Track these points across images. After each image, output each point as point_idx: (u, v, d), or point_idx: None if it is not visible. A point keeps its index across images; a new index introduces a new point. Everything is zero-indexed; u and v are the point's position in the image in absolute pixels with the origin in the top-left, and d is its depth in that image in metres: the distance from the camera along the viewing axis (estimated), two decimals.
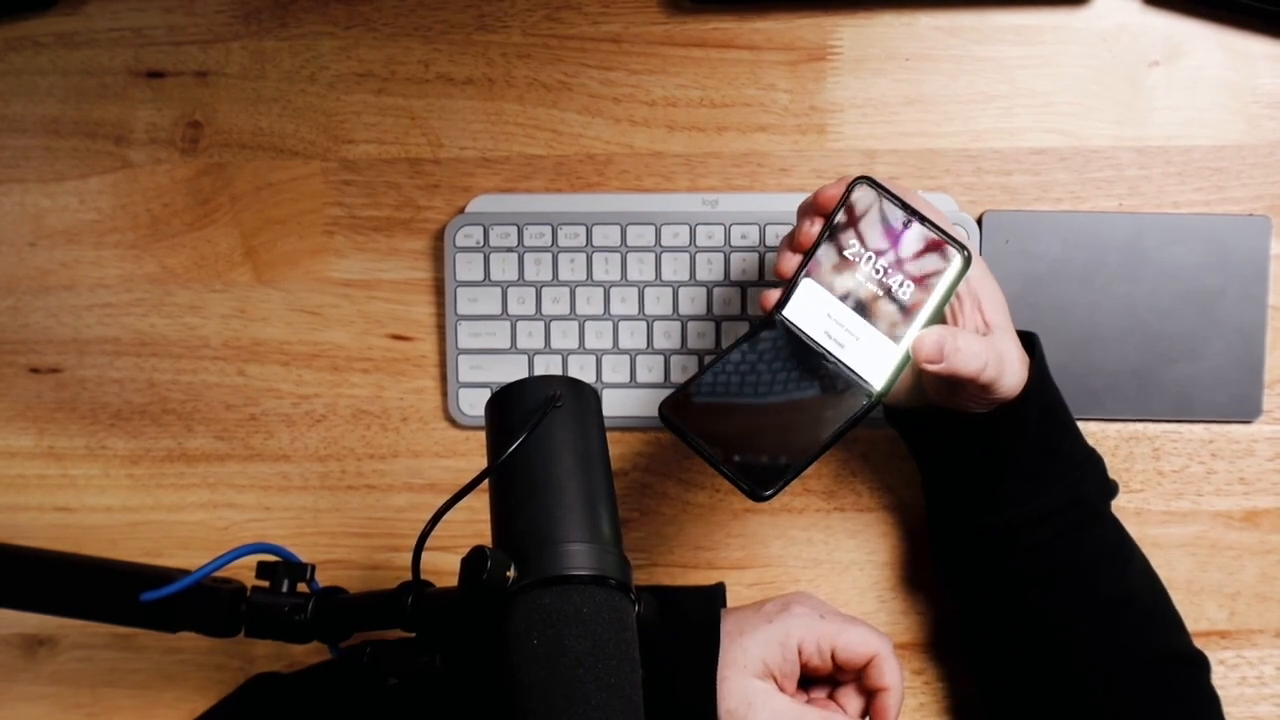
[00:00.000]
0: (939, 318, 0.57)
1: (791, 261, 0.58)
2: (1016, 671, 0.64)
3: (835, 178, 0.72)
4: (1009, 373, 0.58)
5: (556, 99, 0.73)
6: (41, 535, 0.76)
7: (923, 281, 0.56)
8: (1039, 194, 0.72)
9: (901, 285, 0.56)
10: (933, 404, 0.61)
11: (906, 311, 0.56)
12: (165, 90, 0.74)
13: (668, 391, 0.57)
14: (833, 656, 0.63)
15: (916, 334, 0.56)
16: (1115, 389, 0.71)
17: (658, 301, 0.72)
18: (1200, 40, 0.71)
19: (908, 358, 0.56)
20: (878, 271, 0.57)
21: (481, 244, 0.72)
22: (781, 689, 0.62)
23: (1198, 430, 0.72)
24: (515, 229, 0.72)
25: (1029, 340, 0.63)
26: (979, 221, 0.71)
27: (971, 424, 0.60)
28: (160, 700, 0.76)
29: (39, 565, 0.60)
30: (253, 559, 0.56)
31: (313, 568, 0.57)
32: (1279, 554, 0.73)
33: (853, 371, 0.57)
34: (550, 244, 0.72)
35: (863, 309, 0.57)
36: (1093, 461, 0.64)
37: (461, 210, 0.73)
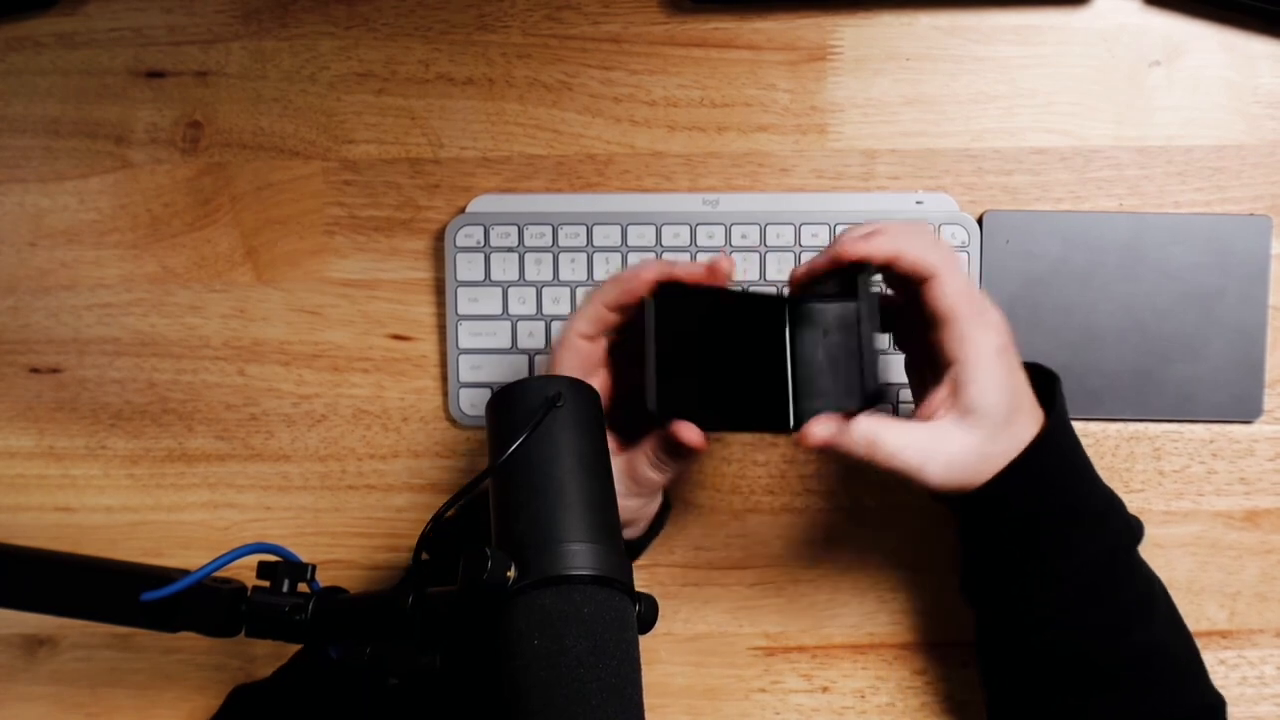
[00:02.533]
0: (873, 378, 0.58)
1: (856, 249, 0.58)
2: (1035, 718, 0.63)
3: (836, 178, 0.72)
4: (939, 464, 0.57)
5: (557, 99, 0.73)
6: (41, 535, 0.76)
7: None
8: (1039, 194, 0.72)
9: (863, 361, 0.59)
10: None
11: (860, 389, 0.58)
12: (165, 90, 0.74)
13: None
14: None
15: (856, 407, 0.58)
16: (1115, 389, 0.71)
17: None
18: (1201, 40, 0.71)
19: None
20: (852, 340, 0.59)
21: (482, 244, 0.72)
22: None
23: (1198, 430, 0.72)
24: (516, 229, 0.72)
25: (1048, 381, 0.61)
26: (979, 221, 0.71)
27: (986, 498, 0.58)
28: (160, 700, 0.76)
29: (39, 565, 0.60)
30: (253, 559, 0.56)
31: (313, 568, 0.57)
32: (1279, 554, 0.72)
33: (789, 395, 0.60)
34: (551, 244, 0.72)
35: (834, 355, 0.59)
36: (1114, 511, 0.61)
37: (462, 210, 0.73)
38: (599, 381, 0.61)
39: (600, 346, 0.61)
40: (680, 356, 0.58)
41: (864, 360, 0.58)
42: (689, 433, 0.57)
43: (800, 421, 0.58)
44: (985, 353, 0.56)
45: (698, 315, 0.59)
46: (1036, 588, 0.60)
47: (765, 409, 0.59)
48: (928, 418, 0.57)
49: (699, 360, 0.59)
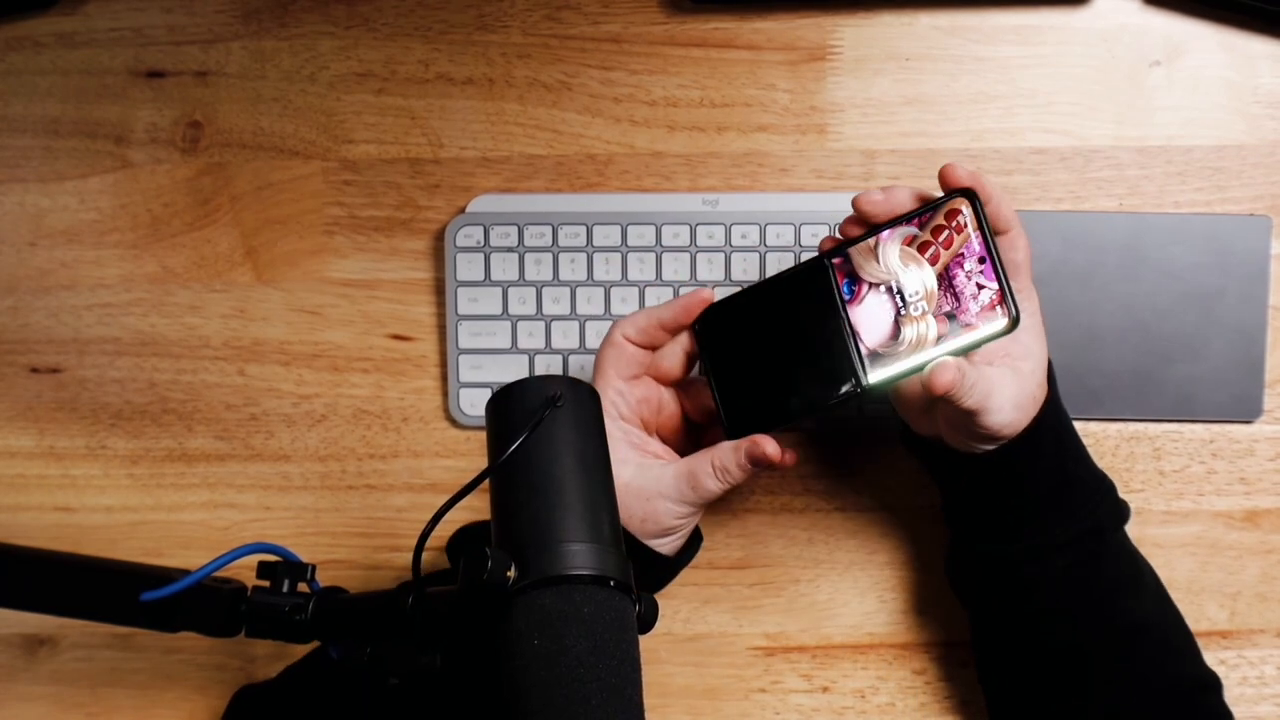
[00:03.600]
0: (960, 355, 0.57)
1: (879, 206, 0.57)
2: (1033, 702, 0.63)
3: (836, 178, 0.72)
4: (994, 408, 0.57)
5: (557, 99, 0.73)
6: (41, 535, 0.76)
7: (963, 316, 0.56)
8: (1039, 194, 0.72)
9: (943, 308, 0.57)
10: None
11: (937, 333, 0.57)
12: (165, 90, 0.74)
13: None
14: None
15: (931, 358, 0.56)
16: (1115, 389, 0.71)
17: (658, 301, 0.72)
18: (1201, 40, 0.71)
19: (908, 373, 0.57)
20: (933, 288, 0.57)
21: (482, 244, 0.72)
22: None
23: (1198, 430, 0.72)
24: (516, 229, 0.72)
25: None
26: None
27: (989, 459, 0.60)
28: (160, 700, 0.76)
29: (39, 565, 0.60)
30: (253, 559, 0.56)
31: (313, 568, 0.57)
32: (1279, 554, 0.72)
33: (857, 354, 0.57)
34: (551, 244, 0.72)
35: (901, 307, 0.57)
36: (1105, 488, 0.63)
37: (462, 210, 0.73)
38: (642, 388, 0.62)
39: (645, 356, 0.62)
40: (740, 366, 0.59)
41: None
42: (769, 447, 0.58)
43: (866, 379, 0.57)
44: (1037, 306, 0.60)
45: (743, 318, 0.60)
46: (1023, 553, 0.61)
47: (833, 378, 0.58)
48: (988, 363, 0.58)
49: (758, 361, 0.60)
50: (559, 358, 0.73)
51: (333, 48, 0.74)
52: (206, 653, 0.76)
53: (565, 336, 0.73)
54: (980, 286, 0.56)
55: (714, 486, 0.60)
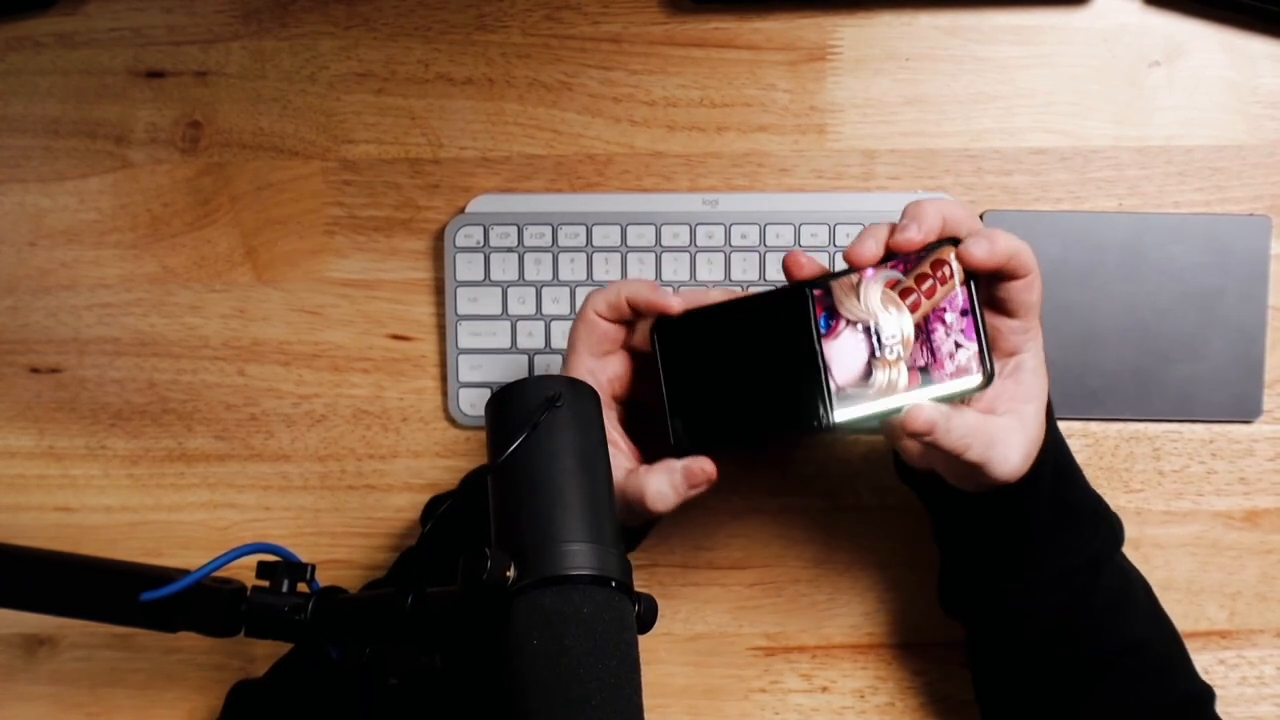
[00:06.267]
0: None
1: (869, 255, 0.55)
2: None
3: (836, 178, 0.72)
4: (999, 459, 0.55)
5: (556, 99, 0.73)
6: (41, 535, 0.76)
7: (936, 373, 0.55)
8: (1039, 194, 0.72)
9: (918, 362, 0.55)
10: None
11: (908, 382, 0.55)
12: (165, 90, 0.74)
13: None
14: None
15: (902, 404, 0.54)
16: (1115, 389, 0.71)
17: None
18: (1201, 40, 0.71)
19: (875, 417, 0.55)
20: (909, 336, 0.55)
21: (482, 244, 0.72)
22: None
23: (1198, 430, 0.72)
24: (515, 229, 0.72)
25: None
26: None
27: (989, 497, 0.58)
28: (160, 700, 0.76)
29: (39, 565, 0.60)
30: (253, 559, 0.56)
31: (313, 568, 0.57)
32: (1279, 554, 0.72)
33: (826, 388, 0.56)
34: (550, 244, 0.72)
35: (876, 349, 0.56)
36: (1102, 513, 0.62)
37: (462, 210, 0.73)
38: (615, 365, 0.61)
39: (618, 331, 0.60)
40: (699, 379, 0.58)
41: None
42: (703, 467, 0.57)
43: (832, 417, 0.55)
44: (1041, 344, 0.57)
45: (711, 332, 0.58)
46: (1022, 588, 0.60)
47: (796, 408, 0.57)
48: (990, 411, 0.56)
49: (720, 377, 0.58)
50: (559, 358, 0.73)
51: (333, 48, 0.74)
52: (206, 653, 0.76)
53: (565, 336, 0.72)
54: (958, 345, 0.55)
55: (659, 505, 0.58)
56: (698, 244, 0.72)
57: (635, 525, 0.63)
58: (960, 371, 0.55)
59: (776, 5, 0.72)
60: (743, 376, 0.58)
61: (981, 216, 0.71)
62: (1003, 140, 0.72)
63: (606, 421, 0.59)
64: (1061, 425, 0.71)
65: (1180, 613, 0.71)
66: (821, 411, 0.56)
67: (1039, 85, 0.72)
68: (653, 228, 0.72)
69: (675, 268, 0.72)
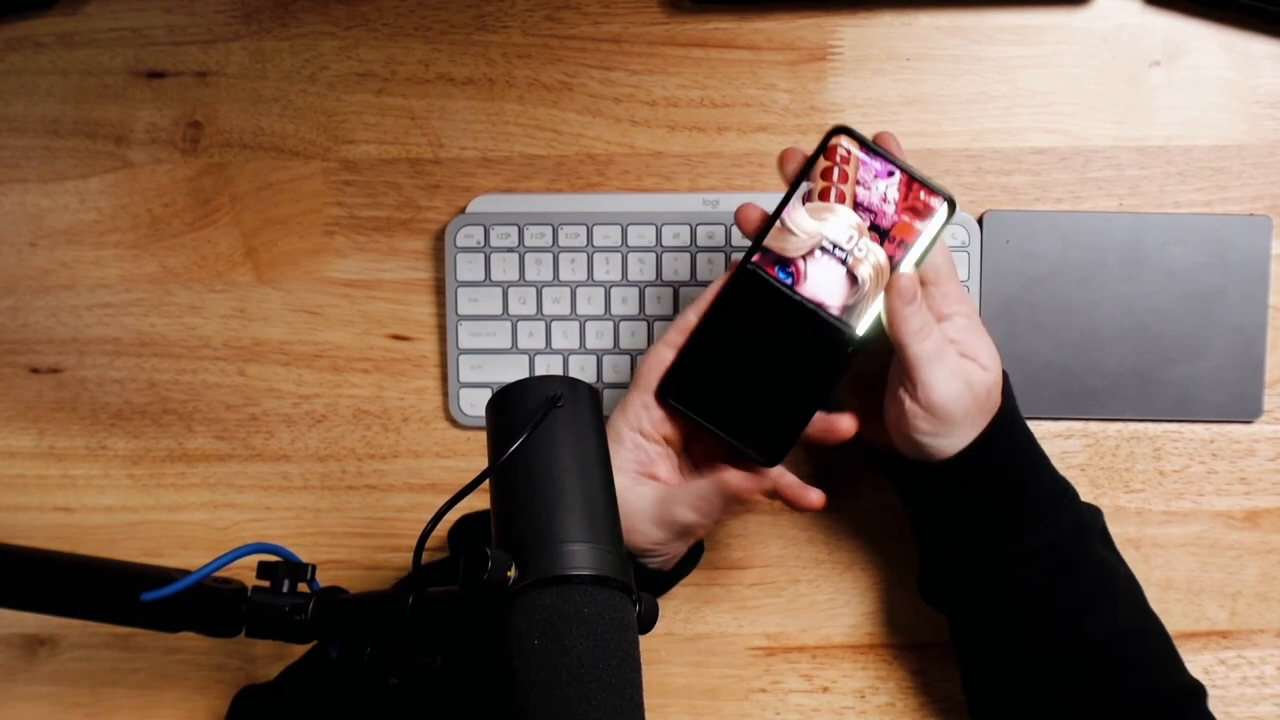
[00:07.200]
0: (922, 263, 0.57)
1: (755, 211, 0.58)
2: (1013, 713, 0.63)
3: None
4: (927, 381, 0.57)
5: (557, 99, 0.73)
6: (41, 535, 0.76)
7: (905, 229, 0.56)
8: (1039, 194, 0.72)
9: (884, 234, 0.56)
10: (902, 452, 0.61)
11: (888, 256, 0.56)
12: (165, 90, 0.74)
13: None
14: None
15: (906, 268, 0.56)
16: (1115, 389, 0.71)
17: (659, 302, 0.72)
18: (1201, 40, 0.71)
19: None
20: (858, 221, 0.56)
21: (482, 244, 0.72)
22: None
23: (1198, 430, 0.72)
24: (516, 229, 0.72)
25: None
26: (979, 221, 0.71)
27: (943, 470, 0.60)
28: (160, 700, 0.76)
29: (39, 565, 0.60)
30: (253, 559, 0.56)
31: (313, 568, 0.57)
32: (1279, 554, 0.72)
33: (833, 321, 0.57)
34: (551, 244, 0.72)
35: (844, 257, 0.56)
36: (1066, 500, 0.62)
37: (462, 210, 0.73)
38: (663, 428, 0.61)
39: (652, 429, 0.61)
40: (732, 402, 0.58)
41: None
42: (733, 477, 0.58)
43: (855, 334, 0.57)
44: (973, 307, 0.60)
45: (705, 361, 0.59)
46: (987, 575, 0.61)
47: (825, 356, 0.58)
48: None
49: (746, 388, 0.58)
50: (559, 358, 0.73)
51: (333, 48, 0.74)
52: (206, 653, 0.76)
53: (565, 337, 0.73)
54: (902, 193, 0.56)
55: (686, 518, 0.59)
56: (698, 244, 0.72)
57: (661, 569, 0.64)
58: (923, 214, 0.56)
59: (777, 5, 0.72)
60: (763, 369, 0.58)
61: (982, 217, 0.71)
62: (1003, 140, 0.72)
63: (648, 456, 0.61)
64: (1062, 425, 0.72)
65: (1180, 613, 0.71)
66: (845, 338, 0.57)
67: (1039, 85, 0.72)
68: (653, 228, 0.72)
69: (676, 268, 0.72)
